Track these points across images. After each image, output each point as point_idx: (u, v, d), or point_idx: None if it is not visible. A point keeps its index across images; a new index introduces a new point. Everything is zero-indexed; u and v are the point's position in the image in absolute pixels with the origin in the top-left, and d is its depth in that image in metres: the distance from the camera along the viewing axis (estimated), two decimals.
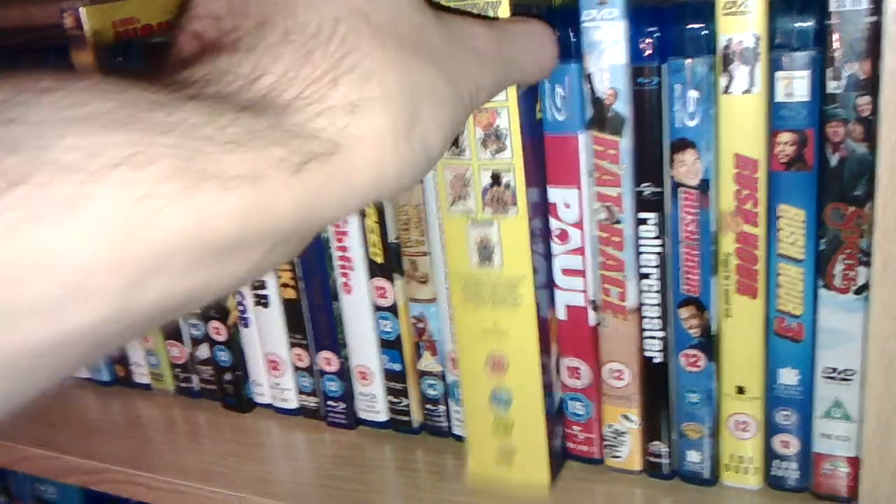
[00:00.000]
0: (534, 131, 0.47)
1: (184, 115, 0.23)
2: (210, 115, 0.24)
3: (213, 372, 0.69)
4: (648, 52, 0.45)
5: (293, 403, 0.66)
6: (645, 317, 0.50)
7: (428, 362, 0.59)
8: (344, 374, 0.62)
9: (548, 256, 0.51)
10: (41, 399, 0.72)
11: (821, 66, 0.42)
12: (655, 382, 0.51)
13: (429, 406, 0.60)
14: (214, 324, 0.67)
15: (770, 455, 0.50)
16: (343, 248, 0.57)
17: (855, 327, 0.45)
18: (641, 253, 0.49)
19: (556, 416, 0.54)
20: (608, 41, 0.45)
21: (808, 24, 0.41)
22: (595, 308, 0.52)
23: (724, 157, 0.45)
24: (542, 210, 0.50)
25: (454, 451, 0.59)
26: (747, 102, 0.43)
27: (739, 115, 0.44)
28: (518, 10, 0.42)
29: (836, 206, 0.43)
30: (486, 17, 0.41)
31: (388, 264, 0.56)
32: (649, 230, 0.48)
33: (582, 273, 0.51)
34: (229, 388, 0.68)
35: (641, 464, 0.54)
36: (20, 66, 0.31)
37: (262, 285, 0.62)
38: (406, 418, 0.61)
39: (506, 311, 0.49)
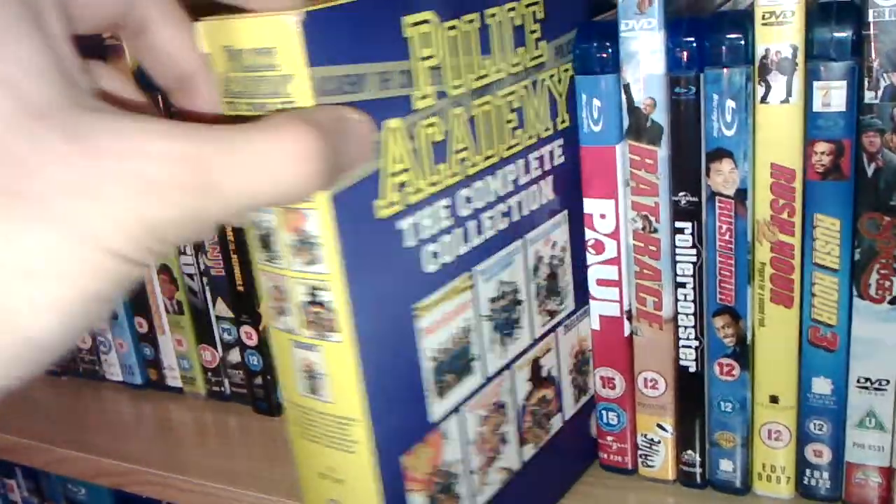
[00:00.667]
0: (369, 234, 0.37)
1: None
2: None
3: (243, 376, 0.70)
4: (686, 61, 0.45)
5: None
6: (680, 326, 0.50)
7: None
8: None
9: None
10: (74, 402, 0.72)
11: (858, 76, 0.42)
12: (690, 391, 0.52)
13: None
14: (246, 328, 0.67)
15: (802, 464, 0.50)
16: None
17: (890, 337, 0.45)
18: (677, 262, 0.49)
19: None
20: (646, 51, 0.46)
21: (846, 34, 0.42)
22: (630, 318, 0.52)
23: (760, 167, 0.45)
24: (393, 329, 0.39)
25: None
26: (784, 112, 0.44)
27: (776, 124, 0.44)
28: (330, 88, 0.33)
29: (872, 216, 0.44)
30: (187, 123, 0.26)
31: None
32: (685, 239, 0.49)
33: (618, 283, 0.52)
34: (260, 392, 0.69)
35: (675, 473, 0.54)
36: None
37: None
38: None
39: (340, 456, 0.39)
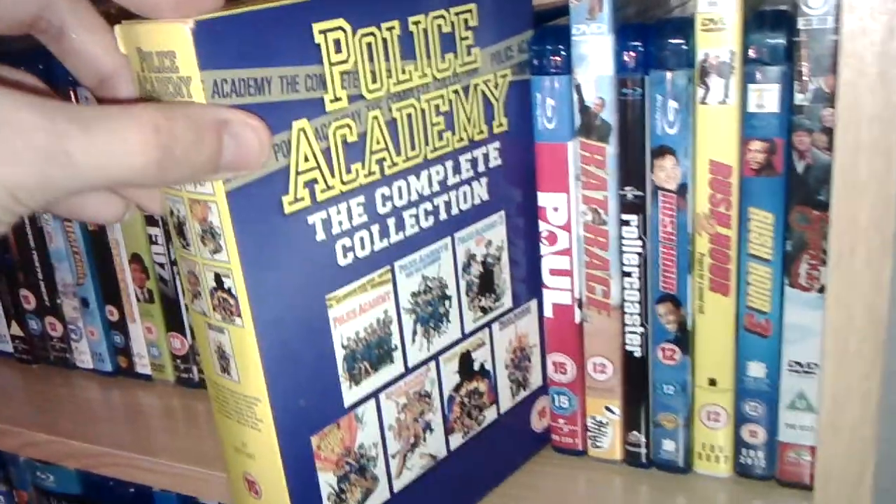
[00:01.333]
0: (274, 229, 0.39)
1: None
2: None
3: None
4: (633, 64, 0.49)
5: None
6: (626, 313, 0.54)
7: None
8: None
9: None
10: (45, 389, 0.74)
11: (789, 79, 0.45)
12: (635, 375, 0.55)
13: None
14: None
15: (739, 444, 0.54)
16: None
17: (818, 323, 0.48)
18: (624, 253, 0.52)
19: None
20: (596, 54, 0.49)
21: (779, 40, 0.45)
22: (580, 305, 0.55)
23: (700, 163, 0.49)
24: (301, 316, 0.42)
25: None
26: (722, 112, 0.47)
27: (715, 124, 0.47)
28: (227, 90, 0.36)
29: (802, 209, 0.47)
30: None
31: None
32: (631, 231, 0.52)
33: (569, 273, 0.55)
34: None
35: (622, 453, 0.57)
36: None
37: None
38: None
39: (249, 432, 0.42)
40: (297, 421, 0.42)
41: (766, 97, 0.46)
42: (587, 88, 0.50)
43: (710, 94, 0.47)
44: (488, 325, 0.54)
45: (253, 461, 0.43)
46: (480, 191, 0.51)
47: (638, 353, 0.54)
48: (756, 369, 0.51)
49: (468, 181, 0.50)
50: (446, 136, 0.47)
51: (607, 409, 0.56)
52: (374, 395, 0.47)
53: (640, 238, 0.52)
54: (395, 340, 0.47)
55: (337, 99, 0.41)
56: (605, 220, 0.52)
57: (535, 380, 0.58)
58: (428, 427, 0.51)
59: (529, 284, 0.56)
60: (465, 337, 0.52)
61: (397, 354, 0.48)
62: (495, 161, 0.51)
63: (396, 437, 0.49)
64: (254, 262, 0.38)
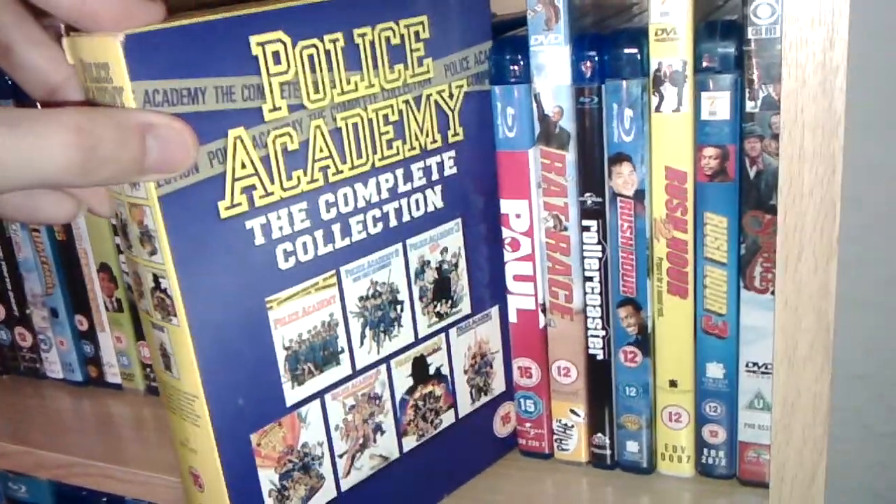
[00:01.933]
0: (209, 230, 0.41)
1: None
2: None
3: None
4: (589, 73, 0.50)
5: None
6: (589, 317, 0.55)
7: None
8: None
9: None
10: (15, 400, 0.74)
11: (740, 87, 0.46)
12: (599, 378, 0.56)
13: None
14: None
15: (700, 444, 0.55)
16: None
17: (772, 325, 0.49)
18: (585, 258, 0.53)
19: None
20: (553, 64, 0.50)
21: (729, 49, 0.46)
22: (544, 310, 0.56)
23: (656, 170, 0.49)
24: (240, 317, 0.43)
25: None
26: (676, 120, 0.48)
27: (669, 131, 0.48)
28: (159, 100, 0.37)
29: (755, 213, 0.48)
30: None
31: None
32: (592, 237, 0.53)
33: (532, 278, 0.56)
34: None
35: (587, 455, 0.58)
36: None
37: None
38: None
39: (191, 428, 0.43)
40: (236, 418, 0.44)
41: (718, 105, 0.47)
42: (546, 97, 0.51)
43: (664, 102, 0.48)
44: (445, 330, 0.54)
45: (196, 456, 0.44)
46: (434, 198, 0.51)
47: (601, 356, 0.55)
48: (715, 370, 0.52)
49: (421, 189, 0.50)
50: (396, 144, 0.48)
51: (572, 411, 0.57)
52: (319, 395, 0.48)
53: (600, 243, 0.52)
54: (342, 343, 0.48)
55: (276, 108, 0.42)
56: (566, 226, 0.53)
57: (498, 386, 0.59)
58: (379, 428, 0.51)
59: (491, 291, 0.56)
60: (418, 341, 0.53)
61: (344, 357, 0.48)
62: (450, 169, 0.52)
63: (344, 438, 0.50)
64: (187, 264, 0.40)
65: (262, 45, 0.41)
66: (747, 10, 0.45)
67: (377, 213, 0.48)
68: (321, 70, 0.43)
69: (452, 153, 0.52)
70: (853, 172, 0.69)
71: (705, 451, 0.55)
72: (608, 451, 0.57)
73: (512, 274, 0.56)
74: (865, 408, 0.80)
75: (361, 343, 0.49)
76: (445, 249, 0.53)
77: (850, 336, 0.77)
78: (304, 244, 0.45)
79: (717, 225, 0.49)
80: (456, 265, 0.54)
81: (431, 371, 0.54)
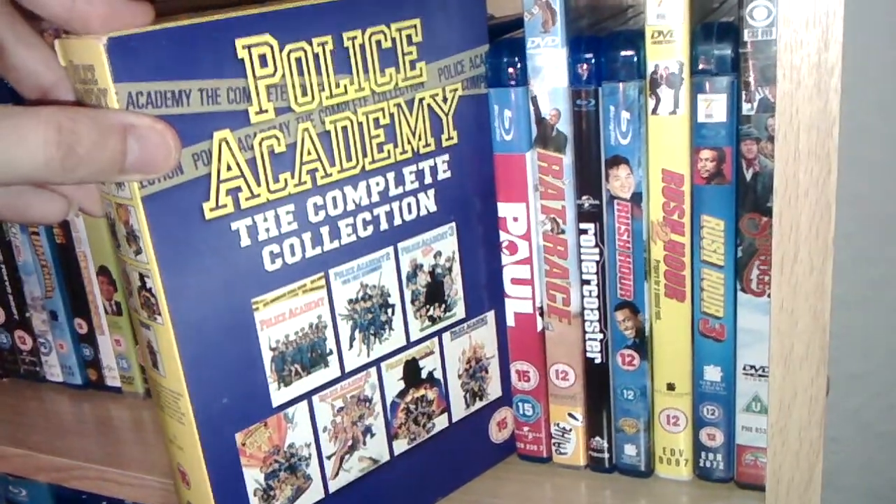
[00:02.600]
0: (194, 231, 0.41)
1: None
2: None
3: None
4: (586, 76, 0.50)
5: None
6: (586, 320, 0.54)
7: None
8: None
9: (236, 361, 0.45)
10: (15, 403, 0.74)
11: (736, 89, 0.46)
12: (597, 381, 0.56)
13: None
14: None
15: (698, 447, 0.55)
16: None
17: (769, 327, 0.49)
18: (582, 261, 0.53)
19: None
20: (550, 66, 0.50)
21: (726, 52, 0.46)
22: (542, 314, 0.56)
23: (653, 172, 0.49)
24: (225, 317, 0.43)
25: None
26: (673, 122, 0.48)
27: (666, 133, 0.48)
28: (143, 102, 0.38)
29: (752, 216, 0.48)
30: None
31: None
32: (589, 240, 0.53)
33: (530, 282, 0.56)
34: None
35: (585, 459, 0.58)
36: None
37: None
38: None
39: (176, 426, 0.44)
40: (221, 417, 0.44)
41: (715, 107, 0.47)
42: (543, 100, 0.51)
43: (660, 104, 0.48)
44: (438, 334, 0.54)
45: (182, 453, 0.45)
46: (427, 202, 0.51)
47: (598, 359, 0.55)
48: (712, 373, 0.52)
49: (413, 192, 0.50)
50: (387, 148, 0.48)
51: (570, 415, 0.57)
52: (307, 396, 0.48)
53: (597, 246, 0.52)
54: (331, 345, 0.48)
55: (263, 111, 0.42)
56: (563, 229, 0.53)
57: (494, 391, 0.59)
58: (368, 431, 0.52)
59: (487, 295, 0.56)
60: (410, 345, 0.53)
61: (332, 358, 0.49)
62: (444, 173, 0.52)
63: (332, 439, 0.50)
64: (171, 265, 0.40)
65: (247, 48, 0.41)
66: (743, 13, 0.45)
67: (367, 216, 0.48)
68: (309, 73, 0.44)
69: (446, 157, 0.52)
70: (850, 173, 0.69)
71: (703, 454, 0.55)
72: (606, 455, 0.57)
73: (509, 277, 0.56)
74: (863, 407, 0.80)
75: (351, 345, 0.49)
76: (439, 253, 0.53)
77: (848, 336, 0.77)
78: (292, 246, 0.45)
79: (714, 228, 0.49)
80: (450, 269, 0.54)
81: (424, 375, 0.54)
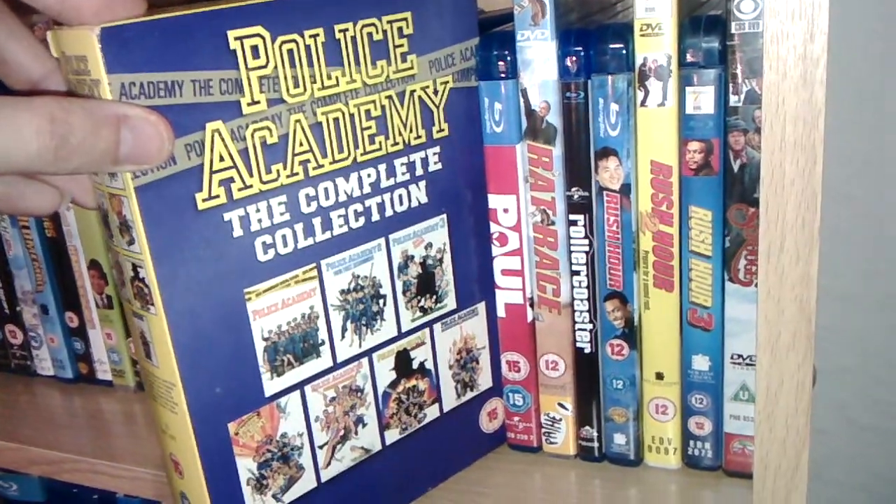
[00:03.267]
0: (186, 221, 0.41)
1: None
2: None
3: None
4: (575, 69, 0.50)
5: None
6: (576, 310, 0.55)
7: None
8: None
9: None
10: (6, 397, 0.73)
11: (724, 82, 0.47)
12: (586, 371, 0.56)
13: None
14: None
15: (687, 436, 0.55)
16: None
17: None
18: (572, 252, 0.54)
19: None
20: (540, 59, 0.50)
21: (713, 44, 0.47)
22: (532, 305, 0.57)
23: (641, 164, 0.50)
24: (217, 307, 0.44)
25: None
26: (661, 114, 0.49)
27: (654, 125, 0.49)
28: (136, 93, 0.38)
29: (739, 206, 0.49)
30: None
31: None
32: (579, 231, 0.53)
33: (520, 273, 0.56)
34: None
35: (575, 448, 0.59)
36: None
37: None
38: None
39: (169, 415, 0.45)
40: (213, 407, 0.44)
41: (703, 99, 0.48)
42: (532, 92, 0.51)
43: (649, 96, 0.49)
44: (429, 325, 0.55)
45: (175, 442, 0.45)
46: (419, 194, 0.52)
47: (588, 349, 0.55)
48: (700, 362, 0.53)
49: (404, 184, 0.51)
50: (378, 140, 0.49)
51: (560, 405, 0.58)
52: (299, 386, 0.48)
53: (587, 237, 0.53)
54: (323, 335, 0.49)
55: (255, 102, 0.42)
56: (553, 220, 0.53)
57: (484, 381, 0.59)
58: (360, 421, 0.52)
59: (478, 286, 0.57)
60: (401, 335, 0.53)
61: (324, 349, 0.49)
62: (435, 165, 0.52)
63: (324, 429, 0.50)
64: (164, 255, 0.41)
65: (240, 39, 0.41)
66: (731, 5, 0.45)
67: (359, 207, 0.49)
68: (301, 65, 0.44)
69: (437, 149, 0.52)
70: (839, 167, 0.70)
71: (692, 442, 0.55)
72: (596, 444, 0.58)
73: (500, 268, 0.57)
74: (849, 401, 0.81)
75: (343, 336, 0.50)
76: (430, 245, 0.53)
77: (834, 330, 0.77)
78: (284, 237, 0.45)
79: (702, 218, 0.50)
80: (441, 260, 0.54)
81: (415, 365, 0.54)
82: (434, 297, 0.54)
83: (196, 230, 0.42)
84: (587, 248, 0.53)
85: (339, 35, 0.45)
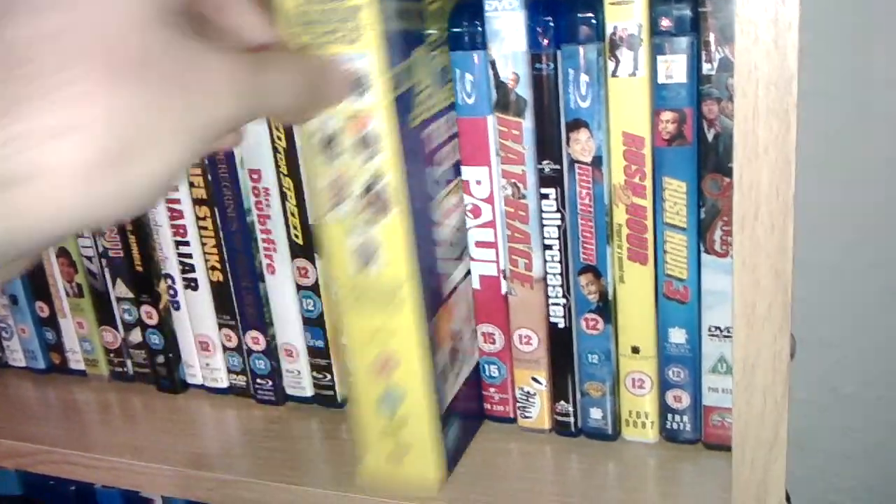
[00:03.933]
0: (408, 138, 0.47)
1: None
2: None
3: (146, 356, 0.71)
4: (545, 39, 0.49)
5: (224, 382, 0.69)
6: (549, 285, 0.54)
7: None
8: (271, 352, 0.65)
9: (434, 250, 0.52)
10: None
11: (696, 49, 0.46)
12: (560, 346, 0.56)
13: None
14: (146, 308, 0.69)
15: (665, 410, 0.55)
16: (267, 231, 0.60)
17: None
18: (544, 226, 0.53)
19: (447, 414, 0.54)
20: (509, 29, 0.49)
21: (685, 12, 0.46)
22: (505, 277, 0.56)
23: (613, 135, 0.49)
24: (423, 211, 0.50)
25: None
26: (632, 84, 0.48)
27: (626, 96, 0.48)
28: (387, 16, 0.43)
29: (714, 177, 0.48)
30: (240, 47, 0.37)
31: (309, 245, 0.60)
32: (550, 204, 0.52)
33: (494, 245, 0.55)
34: (162, 370, 0.71)
35: (550, 423, 0.58)
36: None
37: (192, 268, 0.65)
38: (330, 393, 0.65)
39: (390, 313, 0.49)
40: (426, 303, 0.50)
41: (675, 68, 0.47)
42: (502, 64, 0.50)
43: (620, 66, 0.48)
44: None
45: (392, 339, 0.50)
46: None
47: (562, 324, 0.55)
48: (677, 335, 0.52)
49: None
50: None
51: (534, 379, 0.57)
52: (458, 285, 0.56)
53: (559, 211, 0.52)
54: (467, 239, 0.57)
55: (432, 32, 0.50)
56: (524, 193, 0.53)
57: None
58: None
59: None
60: None
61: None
62: None
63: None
64: (402, 163, 0.46)
65: None
66: None
67: None
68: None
69: None
70: (815, 137, 0.69)
71: (669, 416, 0.55)
72: (572, 419, 0.57)
73: (474, 240, 0.56)
74: (831, 371, 0.81)
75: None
76: None
77: (815, 300, 0.77)
78: (446, 156, 0.53)
79: (676, 189, 0.49)
80: None
81: None
82: None
83: (409, 144, 0.47)
84: (559, 222, 0.52)
85: None
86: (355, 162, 0.46)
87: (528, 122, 0.51)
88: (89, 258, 0.70)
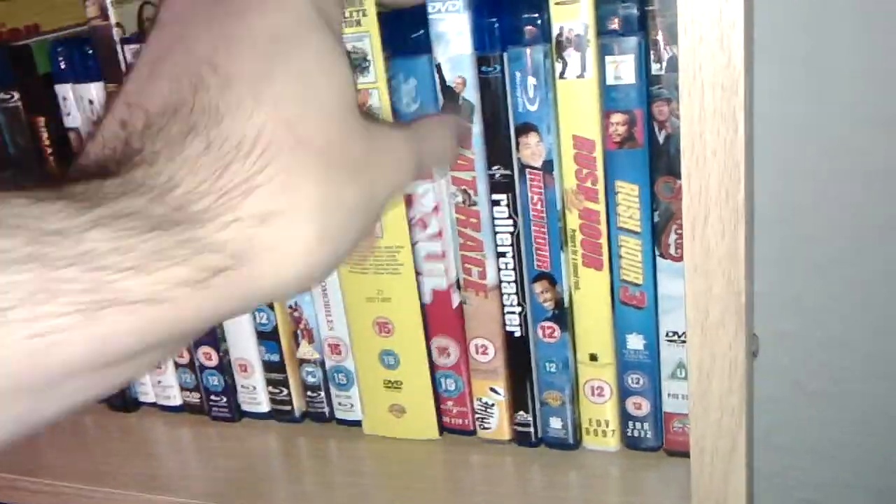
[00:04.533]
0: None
1: (87, 245, 0.25)
2: (114, 241, 0.25)
3: None
4: (490, 41, 0.47)
5: (177, 400, 0.67)
6: (504, 293, 0.53)
7: (306, 350, 0.60)
8: (224, 367, 0.63)
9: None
10: None
11: (645, 50, 0.45)
12: (518, 355, 0.54)
13: (309, 393, 0.62)
14: None
15: (625, 417, 0.54)
16: None
17: None
18: (497, 233, 0.51)
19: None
20: (453, 32, 0.48)
21: (632, 11, 0.45)
22: (459, 288, 0.54)
23: (563, 139, 0.48)
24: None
25: (336, 436, 0.61)
26: (581, 86, 0.46)
27: (575, 98, 0.47)
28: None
29: (666, 179, 0.47)
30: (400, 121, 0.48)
31: None
32: (502, 211, 0.51)
33: (442, 256, 0.54)
34: None
35: (510, 433, 0.57)
36: None
37: None
38: (287, 407, 0.63)
39: (388, 278, 0.53)
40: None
41: (623, 69, 0.45)
42: (447, 68, 0.49)
43: (568, 68, 0.46)
44: None
45: (389, 304, 0.54)
46: None
47: (518, 332, 0.53)
48: (635, 342, 0.51)
49: None
50: None
51: (492, 389, 0.56)
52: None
53: (511, 217, 0.51)
54: None
55: None
56: (475, 200, 0.51)
57: None
58: None
59: None
60: None
61: None
62: None
63: None
64: None
65: None
66: None
67: None
68: None
69: None
70: (767, 133, 0.68)
71: (630, 423, 0.54)
72: (532, 429, 0.56)
73: (424, 253, 0.54)
74: (794, 365, 0.80)
75: None
76: None
77: (776, 294, 0.76)
78: None
79: (629, 193, 0.48)
80: None
81: None
82: None
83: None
84: (512, 229, 0.51)
85: None
86: None
87: (476, 127, 0.49)
88: None
